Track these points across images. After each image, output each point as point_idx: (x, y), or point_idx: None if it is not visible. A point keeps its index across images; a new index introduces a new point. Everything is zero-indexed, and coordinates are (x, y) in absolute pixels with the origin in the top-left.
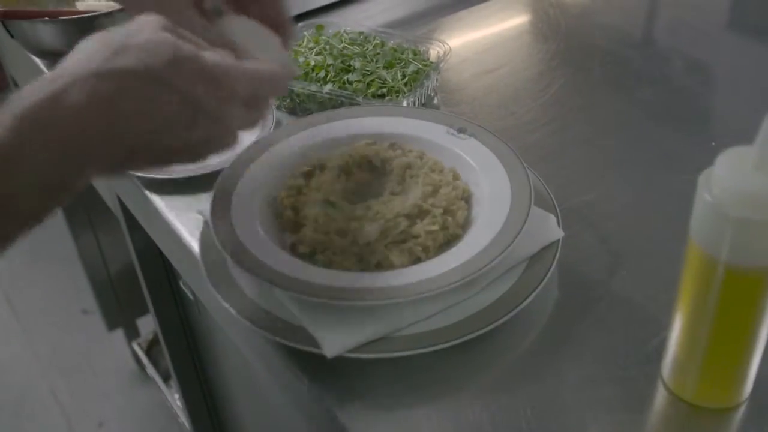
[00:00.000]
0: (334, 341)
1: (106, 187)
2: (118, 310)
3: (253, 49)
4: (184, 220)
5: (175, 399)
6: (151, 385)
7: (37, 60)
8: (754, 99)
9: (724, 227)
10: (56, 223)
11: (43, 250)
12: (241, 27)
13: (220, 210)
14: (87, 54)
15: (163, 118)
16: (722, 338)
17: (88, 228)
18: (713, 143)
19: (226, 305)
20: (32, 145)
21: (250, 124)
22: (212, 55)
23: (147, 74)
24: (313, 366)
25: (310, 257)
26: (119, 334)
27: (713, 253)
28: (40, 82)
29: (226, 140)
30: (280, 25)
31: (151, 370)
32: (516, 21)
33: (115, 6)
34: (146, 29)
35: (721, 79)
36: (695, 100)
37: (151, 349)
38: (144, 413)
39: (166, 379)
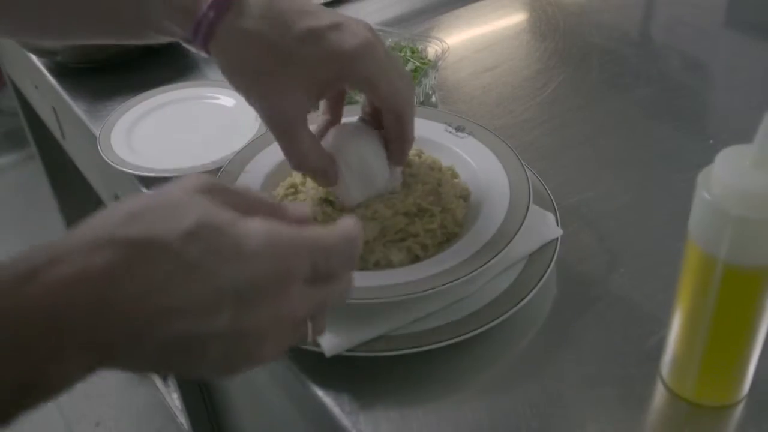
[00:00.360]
0: (333, 340)
1: (103, 185)
2: None
3: (357, 157)
4: None
5: (173, 398)
6: (148, 385)
7: (34, 58)
8: (752, 97)
9: (723, 226)
10: (53, 221)
11: None
12: (356, 134)
13: None
14: (97, 220)
15: (174, 301)
16: (721, 336)
17: None
18: (711, 141)
19: None
20: None
21: (321, 304)
22: (257, 225)
23: (152, 244)
24: (311, 365)
25: None
26: None
27: (712, 252)
28: (27, 253)
29: (279, 332)
30: (398, 143)
31: None
32: (514, 19)
33: None
34: (177, 191)
35: (719, 77)
36: (693, 98)
37: None
38: (142, 413)
39: (164, 378)
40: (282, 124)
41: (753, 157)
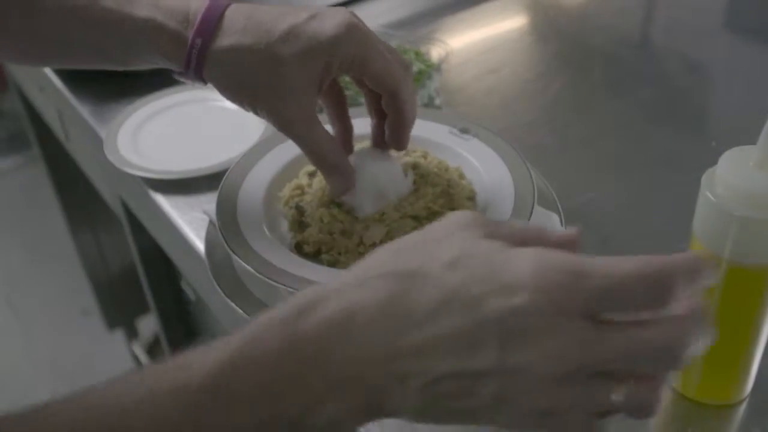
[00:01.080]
0: None
1: (108, 188)
2: (118, 309)
3: (371, 176)
4: (188, 220)
5: None
6: None
7: None
8: (753, 98)
9: (727, 226)
10: (56, 223)
11: (43, 250)
12: (370, 156)
13: (226, 210)
14: (368, 260)
15: (436, 331)
16: (725, 335)
17: (88, 227)
18: (713, 143)
19: (233, 305)
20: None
21: (618, 352)
22: (523, 252)
23: (416, 275)
24: None
25: (314, 257)
26: (119, 335)
27: (716, 252)
28: (299, 294)
29: (558, 380)
30: (396, 124)
31: None
32: (516, 22)
33: None
34: (441, 227)
35: (719, 79)
36: (694, 100)
37: (152, 350)
38: None
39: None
40: (293, 128)
41: (756, 159)
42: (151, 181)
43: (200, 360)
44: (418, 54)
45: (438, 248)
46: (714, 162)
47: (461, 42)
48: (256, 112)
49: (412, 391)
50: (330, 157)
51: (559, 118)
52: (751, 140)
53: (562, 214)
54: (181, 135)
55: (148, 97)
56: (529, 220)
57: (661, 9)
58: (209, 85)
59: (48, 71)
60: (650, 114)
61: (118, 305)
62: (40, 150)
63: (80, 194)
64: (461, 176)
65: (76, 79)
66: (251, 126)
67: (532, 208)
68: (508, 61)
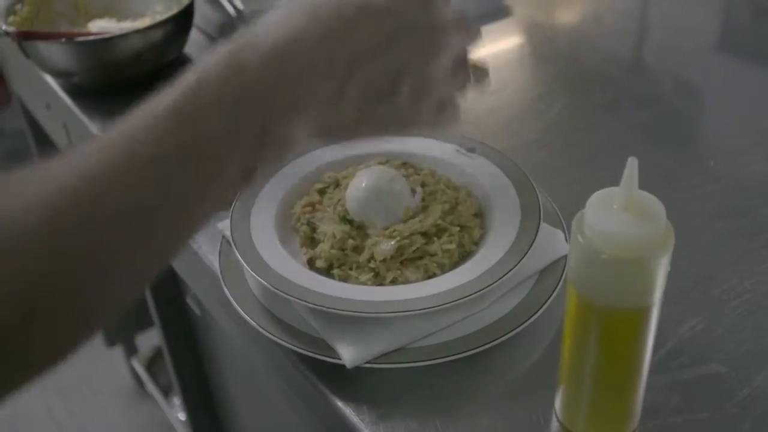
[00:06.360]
0: (354, 352)
1: None
2: (117, 326)
3: (383, 193)
4: (200, 235)
5: (174, 416)
6: (148, 402)
7: (49, 79)
8: (747, 119)
9: (597, 268)
10: None
11: None
12: (380, 176)
13: (241, 226)
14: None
15: (363, 46)
16: (606, 374)
17: None
18: (711, 162)
19: (248, 318)
20: (206, 97)
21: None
22: None
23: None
24: (332, 377)
25: (326, 272)
26: (116, 351)
27: (589, 296)
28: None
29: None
30: None
31: (151, 386)
32: (516, 43)
33: (128, 28)
34: None
35: (714, 100)
36: (689, 121)
37: (151, 365)
38: (142, 431)
39: (166, 394)
40: None
41: (619, 200)
42: None
43: (156, 101)
44: None
45: None
46: (713, 180)
47: None
48: None
49: (351, 99)
50: None
51: (562, 136)
52: (749, 160)
53: (566, 230)
54: None
55: None
56: (535, 236)
57: (654, 30)
58: None
59: (56, 87)
60: (648, 134)
61: (117, 322)
62: None
63: None
64: (468, 194)
65: (84, 95)
66: None
67: (539, 225)
68: (509, 82)
